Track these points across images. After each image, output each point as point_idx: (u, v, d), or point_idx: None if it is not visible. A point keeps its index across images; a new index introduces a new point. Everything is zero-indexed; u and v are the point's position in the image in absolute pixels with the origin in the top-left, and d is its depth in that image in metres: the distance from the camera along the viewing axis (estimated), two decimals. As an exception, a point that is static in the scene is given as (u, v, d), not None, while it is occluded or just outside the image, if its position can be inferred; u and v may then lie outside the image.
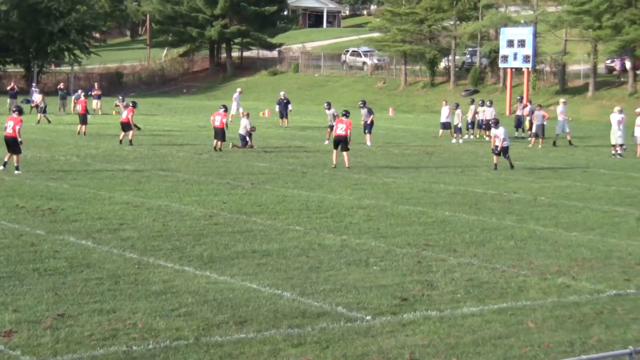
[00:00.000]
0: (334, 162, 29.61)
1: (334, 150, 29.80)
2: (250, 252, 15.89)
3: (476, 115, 44.09)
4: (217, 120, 34.58)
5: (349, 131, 29.51)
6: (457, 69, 73.53)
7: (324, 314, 12.03)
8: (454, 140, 41.50)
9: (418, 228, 18.79)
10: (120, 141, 36.05)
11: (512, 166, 30.16)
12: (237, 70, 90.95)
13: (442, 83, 73.80)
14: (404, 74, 75.68)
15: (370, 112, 39.36)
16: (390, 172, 28.84)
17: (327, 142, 37.68)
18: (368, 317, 11.96)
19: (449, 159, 33.73)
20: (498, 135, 30.26)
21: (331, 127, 39.20)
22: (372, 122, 38.98)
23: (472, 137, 43.94)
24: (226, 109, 35.78)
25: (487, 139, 43.08)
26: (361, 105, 40.49)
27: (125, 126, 36.30)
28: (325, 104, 41.05)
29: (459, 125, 42.11)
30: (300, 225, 18.76)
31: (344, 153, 29.39)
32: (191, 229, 17.91)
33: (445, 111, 43.84)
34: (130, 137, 36.08)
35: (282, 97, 50.40)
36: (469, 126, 43.95)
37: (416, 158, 33.73)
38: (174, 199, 21.79)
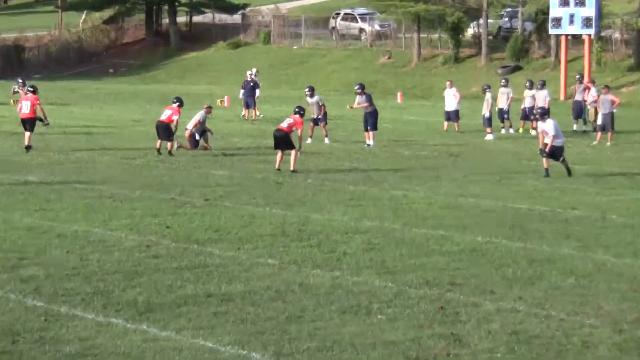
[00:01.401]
0: (277, 166, 30.30)
1: (277, 152, 30.60)
2: (204, 296, 15.79)
3: (513, 101, 44.24)
4: (166, 115, 34.67)
5: (293, 128, 30.45)
6: (490, 38, 73.76)
7: (308, 384, 11.93)
8: (488, 137, 41.55)
9: (440, 260, 18.71)
10: (28, 147, 34.64)
11: (569, 172, 30.13)
12: (185, 42, 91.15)
13: (469, 57, 74.11)
14: (417, 45, 75.87)
15: (370, 99, 39.26)
16: (400, 182, 28.81)
17: (309, 140, 37.62)
18: (371, 388, 11.86)
19: (481, 162, 33.73)
20: (546, 130, 30.20)
21: (314, 120, 39.18)
22: (374, 113, 38.82)
23: (511, 130, 44.04)
24: (181, 104, 34.97)
25: (533, 132, 43.20)
26: (358, 90, 39.99)
27: (29, 123, 35.34)
28: (307, 89, 40.92)
29: (487, 115, 42.20)
30: (274, 257, 18.67)
31: (292, 152, 30.24)
32: (120, 265, 17.80)
33: (449, 95, 44.06)
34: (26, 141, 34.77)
35: (249, 79, 50.41)
36: (505, 116, 44.03)
37: (435, 162, 33.73)
38: (96, 223, 21.70)
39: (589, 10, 61.12)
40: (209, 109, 36.66)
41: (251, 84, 50.01)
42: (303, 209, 24.11)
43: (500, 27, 77.38)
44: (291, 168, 30.06)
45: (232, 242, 19.98)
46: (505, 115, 44.05)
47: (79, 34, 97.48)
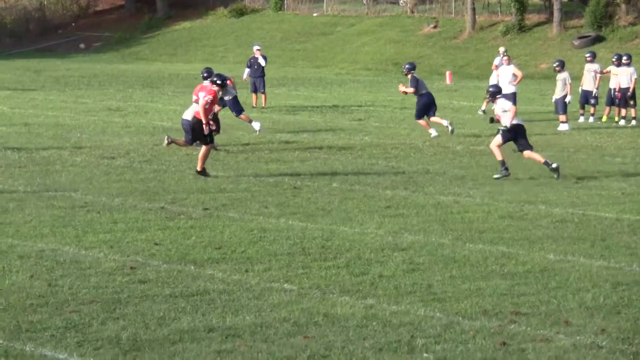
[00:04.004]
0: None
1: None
2: (205, 330, 15.93)
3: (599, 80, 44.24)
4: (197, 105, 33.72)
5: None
6: (564, 0, 73.70)
7: None
8: (562, 127, 41.60)
9: (501, 284, 18.84)
10: None
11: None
12: (175, 10, 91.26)
13: (538, 25, 74.08)
14: (471, 10, 75.88)
15: (416, 83, 39.38)
16: (450, 185, 28.94)
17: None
18: None
19: (554, 159, 33.81)
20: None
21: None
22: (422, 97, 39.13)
23: (592, 119, 44.05)
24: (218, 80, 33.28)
25: (621, 122, 43.26)
26: (406, 71, 40.28)
27: None
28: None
29: (567, 100, 42.16)
30: (292, 281, 18.82)
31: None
32: (99, 292, 17.96)
33: (504, 74, 43.93)
34: None
35: (256, 55, 50.51)
36: (591, 101, 44.01)
37: (495, 159, 33.77)
38: (67, 239, 21.87)
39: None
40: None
41: (258, 61, 50.05)
42: (327, 220, 24.25)
43: (576, -13, 77.38)
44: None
45: (238, 263, 20.11)
46: (593, 101, 43.88)
47: (41, 0, 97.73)
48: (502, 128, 29.92)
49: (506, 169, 29.57)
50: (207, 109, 30.27)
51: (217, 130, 34.74)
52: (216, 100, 31.21)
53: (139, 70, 70.55)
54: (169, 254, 20.79)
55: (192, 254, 20.82)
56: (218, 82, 30.87)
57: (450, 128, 39.06)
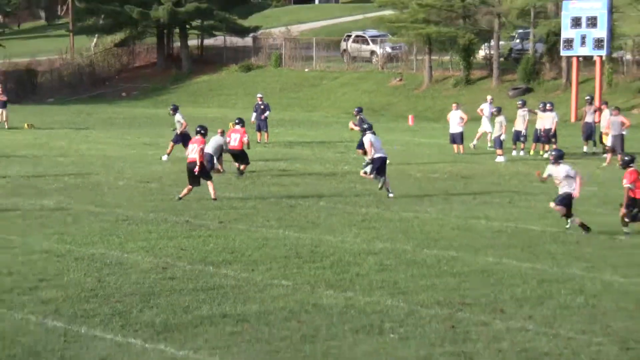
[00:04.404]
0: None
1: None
2: (220, 316, 16.03)
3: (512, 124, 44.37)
4: (236, 139, 35.33)
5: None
6: (501, 60, 73.78)
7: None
8: (499, 159, 41.72)
9: (451, 281, 18.94)
10: None
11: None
12: (196, 65, 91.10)
13: (481, 79, 74.02)
14: (428, 67, 75.85)
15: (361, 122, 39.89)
16: (412, 204, 29.01)
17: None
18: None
19: (493, 184, 33.92)
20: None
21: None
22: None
23: (522, 152, 44.18)
24: (243, 123, 36.62)
25: (545, 155, 43.32)
26: (355, 113, 41.92)
27: None
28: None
29: (502, 138, 42.34)
30: (288, 278, 18.91)
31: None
32: (137, 287, 18.06)
33: (454, 117, 44.22)
34: None
35: (260, 102, 50.59)
36: (521, 139, 44.17)
37: (447, 184, 33.88)
38: (112, 245, 21.95)
39: (601, 32, 61.03)
40: (222, 133, 36.94)
41: (262, 106, 50.16)
42: (316, 231, 24.32)
43: (511, 49, 77.30)
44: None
45: (246, 264, 20.23)
46: (522, 138, 44.04)
47: (91, 57, 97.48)
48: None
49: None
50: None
51: (247, 162, 35.12)
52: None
53: (167, 114, 70.45)
54: (192, 257, 20.89)
55: (210, 257, 20.92)
56: (202, 132, 30.63)
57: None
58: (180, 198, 28.97)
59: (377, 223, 25.63)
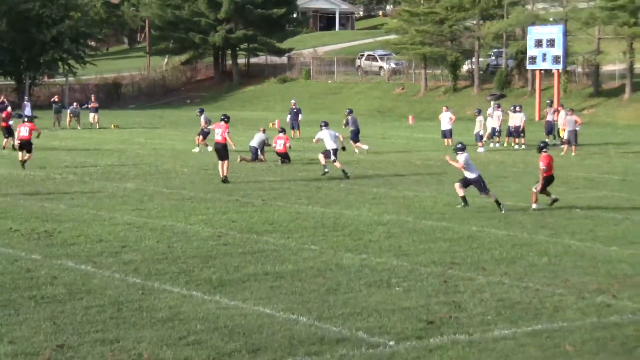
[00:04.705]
0: (224, 174, 29.11)
1: (219, 162, 29.45)
2: (263, 274, 15.92)
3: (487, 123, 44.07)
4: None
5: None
6: (481, 72, 73.58)
7: (343, 340, 12.04)
8: (479, 150, 41.49)
9: (443, 245, 18.80)
10: (24, 162, 32.64)
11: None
12: (244, 78, 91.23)
13: (465, 87, 73.86)
14: (424, 78, 75.76)
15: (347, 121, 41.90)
16: (412, 185, 28.85)
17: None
18: (391, 343, 11.96)
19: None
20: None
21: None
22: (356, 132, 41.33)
23: (498, 145, 43.94)
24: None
25: (515, 147, 43.09)
26: (347, 113, 42.82)
27: (26, 145, 32.88)
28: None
29: (480, 133, 42.18)
30: (316, 244, 18.79)
31: (225, 162, 29.31)
32: (198, 251, 17.96)
33: (444, 118, 44.05)
34: (27, 159, 32.71)
35: (293, 106, 50.51)
36: (496, 134, 43.98)
37: (439, 169, 33.70)
38: (179, 219, 21.85)
39: (558, 50, 60.99)
40: (264, 130, 36.88)
41: (295, 110, 50.13)
42: (337, 206, 24.20)
43: (488, 64, 77.17)
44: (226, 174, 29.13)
45: (283, 233, 20.11)
46: (497, 133, 43.92)
47: (163, 73, 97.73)
48: None
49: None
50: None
51: (288, 160, 34.79)
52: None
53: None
54: (241, 227, 20.80)
55: (255, 227, 20.81)
56: (225, 119, 30.33)
57: (365, 148, 39.92)
58: (224, 179, 28.68)
59: (385, 200, 25.49)
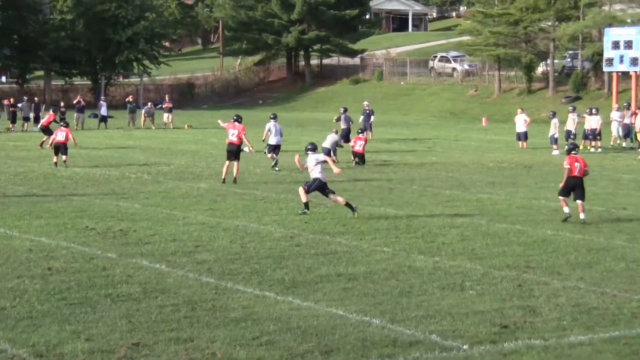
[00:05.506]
0: (223, 176, 28.99)
1: (226, 162, 29.34)
2: (335, 275, 15.92)
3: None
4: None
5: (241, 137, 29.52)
6: (556, 74, 72.79)
7: (416, 343, 11.99)
8: (554, 152, 41.05)
9: (517, 248, 18.62)
10: (56, 163, 33.24)
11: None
12: (317, 79, 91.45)
13: (539, 89, 73.13)
14: (498, 80, 75.21)
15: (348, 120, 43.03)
16: (485, 188, 28.64)
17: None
18: (465, 347, 11.88)
19: (550, 172, 33.31)
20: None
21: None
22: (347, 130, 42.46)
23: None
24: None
25: (592, 150, 42.54)
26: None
27: (61, 148, 33.44)
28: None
29: (556, 136, 41.75)
30: (389, 246, 18.74)
31: (235, 163, 29.29)
32: (271, 251, 18.02)
33: (519, 120, 43.76)
34: (64, 159, 33.33)
35: (366, 108, 50.46)
36: (572, 136, 43.45)
37: (513, 172, 33.43)
38: (251, 219, 21.95)
39: (636, 52, 59.89)
40: (337, 132, 36.93)
41: (367, 111, 50.07)
42: (410, 208, 24.11)
43: (564, 66, 76.26)
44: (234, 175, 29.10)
45: (355, 234, 20.08)
46: (572, 136, 43.35)
47: (236, 74, 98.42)
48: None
49: None
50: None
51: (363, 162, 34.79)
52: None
53: (295, 117, 70.77)
54: (313, 228, 20.81)
55: (327, 228, 20.83)
56: (238, 120, 30.09)
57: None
58: (234, 180, 28.76)
59: (458, 202, 25.33)
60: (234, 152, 29.43)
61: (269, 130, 34.43)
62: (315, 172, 22.74)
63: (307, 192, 22.64)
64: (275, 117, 35.35)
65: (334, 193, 22.78)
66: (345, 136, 41.34)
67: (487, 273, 16.23)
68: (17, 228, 20.28)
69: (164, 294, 14.41)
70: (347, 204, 22.41)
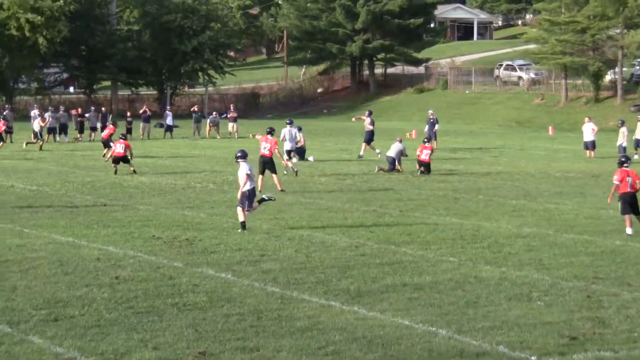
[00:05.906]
0: (260, 187, 27.94)
1: (260, 175, 28.74)
2: (401, 285, 15.88)
3: None
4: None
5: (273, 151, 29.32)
6: (624, 82, 71.88)
7: (483, 354, 11.91)
8: (635, 157, 40.47)
9: (585, 259, 18.41)
10: (116, 171, 33.94)
11: None
12: (381, 88, 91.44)
13: (607, 98, 72.29)
14: (565, 88, 74.51)
15: (372, 122, 42.60)
16: (552, 197, 28.36)
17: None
18: (533, 358, 11.78)
19: None
20: None
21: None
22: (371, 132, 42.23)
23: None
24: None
25: (660, 159, 41.90)
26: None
27: (121, 159, 34.37)
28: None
29: (624, 145, 41.22)
30: (454, 256, 18.65)
31: (274, 175, 29.10)
32: (336, 261, 18.03)
33: (587, 128, 43.32)
34: (132, 169, 34.21)
35: (431, 117, 50.30)
36: (640, 145, 42.93)
37: (581, 181, 33.07)
38: (316, 228, 21.98)
39: None
40: (401, 140, 36.84)
41: (432, 120, 49.89)
42: (475, 218, 23.98)
43: (632, 74, 75.28)
44: (278, 188, 28.67)
45: (421, 244, 20.03)
46: (640, 144, 42.91)
47: (300, 83, 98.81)
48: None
49: None
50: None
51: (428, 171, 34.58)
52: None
53: (359, 126, 70.74)
54: (378, 238, 20.80)
55: (392, 238, 20.79)
56: (271, 132, 30.22)
57: (379, 154, 40.08)
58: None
59: (524, 212, 25.13)
60: (267, 163, 29.39)
61: (284, 135, 34.67)
62: (248, 185, 21.75)
63: (250, 209, 21.75)
64: (291, 123, 35.55)
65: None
66: (368, 140, 41.99)
67: (555, 284, 16.07)
68: (85, 237, 20.55)
69: (229, 303, 14.49)
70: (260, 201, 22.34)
